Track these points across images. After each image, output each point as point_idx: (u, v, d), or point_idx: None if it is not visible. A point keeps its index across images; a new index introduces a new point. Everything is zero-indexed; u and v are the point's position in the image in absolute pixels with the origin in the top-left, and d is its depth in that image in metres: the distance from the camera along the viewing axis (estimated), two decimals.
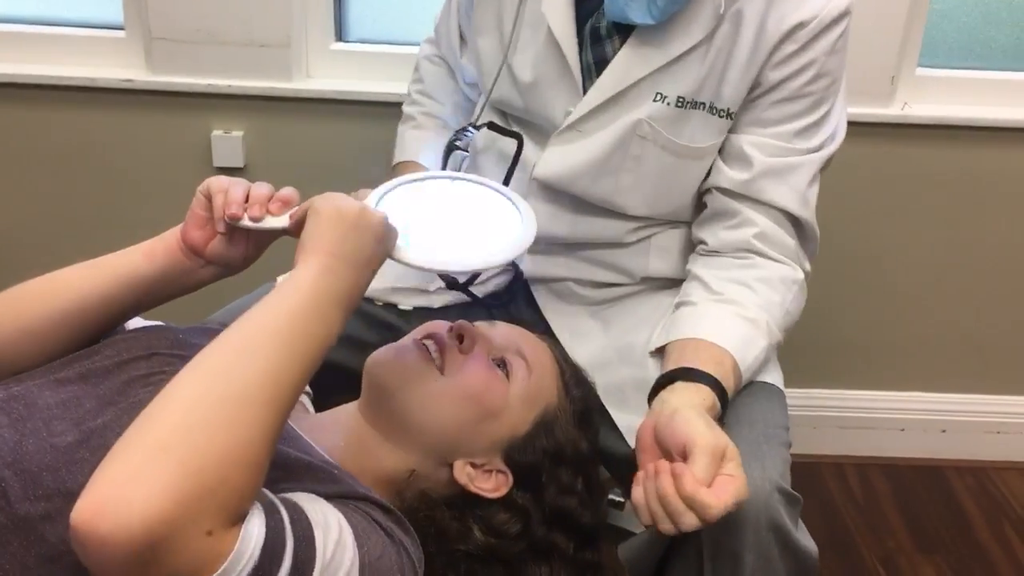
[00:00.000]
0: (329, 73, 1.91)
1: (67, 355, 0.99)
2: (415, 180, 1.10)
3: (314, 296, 0.83)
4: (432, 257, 0.98)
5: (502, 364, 1.04)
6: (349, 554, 0.81)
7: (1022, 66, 1.95)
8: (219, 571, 0.71)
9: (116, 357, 0.98)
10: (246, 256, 1.01)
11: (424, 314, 1.29)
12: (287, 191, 0.97)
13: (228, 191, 0.97)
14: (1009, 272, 2.04)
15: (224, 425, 0.72)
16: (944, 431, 2.15)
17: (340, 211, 0.89)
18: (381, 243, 0.91)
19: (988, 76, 1.94)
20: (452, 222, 1.06)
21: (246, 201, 0.97)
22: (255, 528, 0.74)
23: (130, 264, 1.00)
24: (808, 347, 1.86)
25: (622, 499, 1.54)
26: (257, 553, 0.73)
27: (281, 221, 0.96)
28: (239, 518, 0.74)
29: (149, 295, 1.01)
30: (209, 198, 0.98)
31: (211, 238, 0.99)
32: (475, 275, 1.23)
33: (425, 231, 1.00)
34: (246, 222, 0.97)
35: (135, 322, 1.08)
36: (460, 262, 1.02)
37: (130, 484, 0.68)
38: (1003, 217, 1.99)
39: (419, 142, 1.43)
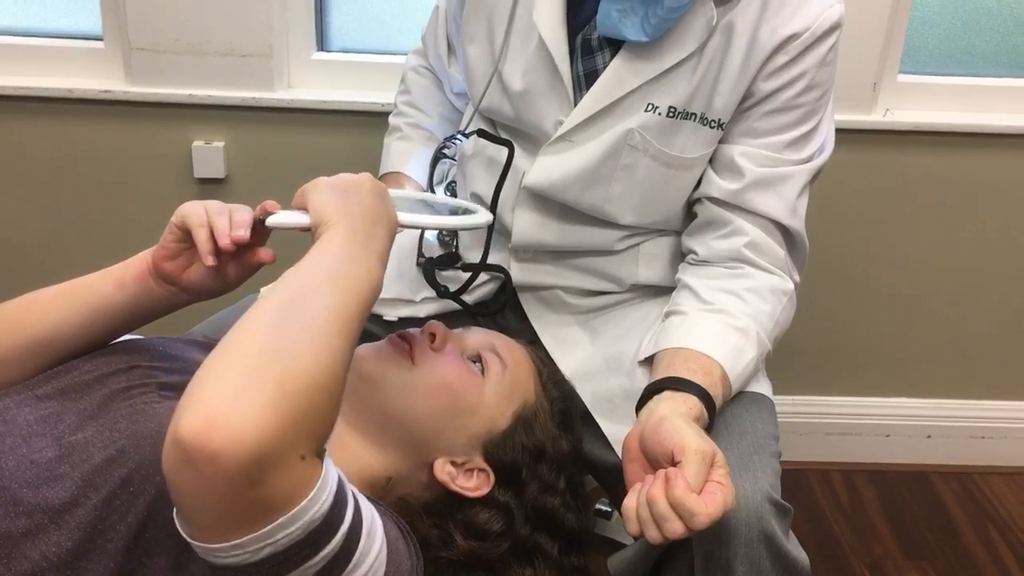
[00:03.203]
0: (311, 83, 1.90)
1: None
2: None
3: (344, 247, 0.84)
4: (422, 218, 1.00)
5: (477, 360, 1.05)
6: (380, 529, 0.82)
7: (1002, 72, 1.97)
8: (309, 496, 0.71)
9: (96, 371, 0.97)
10: (225, 285, 0.98)
11: (409, 324, 1.28)
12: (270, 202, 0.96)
13: (213, 223, 0.93)
14: (993, 277, 2.05)
15: (306, 352, 0.73)
16: (929, 437, 2.16)
17: (332, 182, 0.91)
18: (379, 197, 0.91)
19: (969, 82, 1.95)
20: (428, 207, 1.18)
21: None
22: (332, 466, 0.76)
23: (100, 293, 0.98)
24: (793, 354, 1.87)
25: (609, 508, 1.54)
26: (335, 489, 0.75)
27: (304, 217, 0.91)
28: (322, 450, 0.75)
29: (122, 323, 1.00)
30: (185, 230, 0.94)
31: (187, 267, 0.97)
32: (468, 282, 1.24)
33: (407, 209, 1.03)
34: (278, 219, 0.93)
35: None
36: (444, 221, 1.08)
37: (237, 401, 0.68)
38: (986, 222, 2.00)
39: (405, 153, 1.43)
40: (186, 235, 0.94)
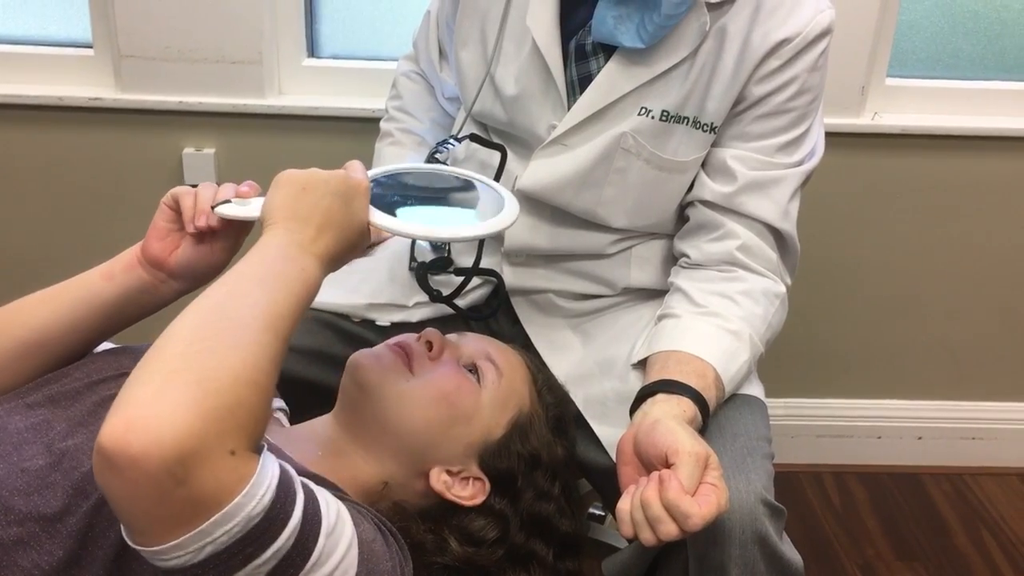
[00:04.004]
0: (301, 89, 1.90)
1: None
2: (404, 170, 1.10)
3: (281, 247, 0.84)
4: (407, 224, 0.97)
5: (473, 369, 1.04)
6: (348, 529, 0.81)
7: (989, 75, 1.98)
8: (244, 491, 0.71)
9: (86, 378, 0.97)
10: (211, 265, 0.99)
11: (402, 330, 1.27)
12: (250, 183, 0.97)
13: (198, 192, 0.97)
14: (982, 279, 2.06)
15: (229, 349, 0.73)
16: (920, 438, 2.17)
17: (292, 177, 0.90)
18: (342, 197, 0.90)
19: (956, 85, 1.96)
20: (432, 200, 1.09)
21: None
22: (271, 462, 0.75)
23: (89, 288, 0.99)
24: (784, 357, 1.87)
25: (603, 512, 1.54)
26: (275, 484, 0.74)
27: (255, 210, 0.94)
28: (256, 446, 0.74)
29: (111, 319, 1.00)
30: (174, 207, 0.97)
31: (174, 249, 0.98)
32: (461, 286, 1.23)
33: (404, 205, 1.00)
34: (225, 209, 0.95)
35: (103, 345, 1.06)
36: (433, 230, 1.03)
37: (155, 403, 0.68)
38: (975, 224, 2.01)
39: (397, 159, 1.42)
40: (177, 214, 0.97)
